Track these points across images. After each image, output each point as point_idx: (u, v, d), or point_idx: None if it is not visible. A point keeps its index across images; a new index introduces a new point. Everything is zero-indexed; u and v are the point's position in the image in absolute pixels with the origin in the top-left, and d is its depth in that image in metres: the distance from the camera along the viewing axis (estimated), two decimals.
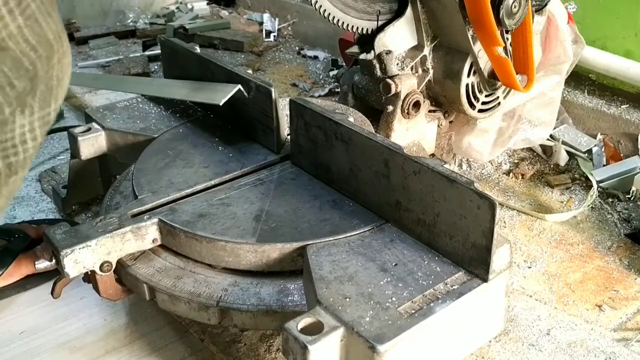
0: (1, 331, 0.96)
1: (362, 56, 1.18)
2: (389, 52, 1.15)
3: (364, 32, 1.17)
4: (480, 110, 1.24)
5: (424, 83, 1.22)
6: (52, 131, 1.47)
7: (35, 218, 1.20)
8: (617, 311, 1.01)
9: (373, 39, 1.16)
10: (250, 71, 1.99)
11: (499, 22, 1.10)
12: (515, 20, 1.12)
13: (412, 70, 1.21)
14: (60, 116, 1.61)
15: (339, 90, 1.36)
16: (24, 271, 1.01)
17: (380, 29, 1.17)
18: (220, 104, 0.97)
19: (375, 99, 1.22)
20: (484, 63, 1.18)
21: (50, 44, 0.49)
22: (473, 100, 1.22)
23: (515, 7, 1.10)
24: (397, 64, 1.19)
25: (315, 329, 0.65)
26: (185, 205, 0.90)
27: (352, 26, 1.16)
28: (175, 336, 0.95)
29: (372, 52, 1.17)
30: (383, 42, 1.16)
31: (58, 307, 1.00)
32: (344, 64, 1.90)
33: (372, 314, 0.68)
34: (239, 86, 0.99)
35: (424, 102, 1.19)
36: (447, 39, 1.19)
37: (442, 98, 1.24)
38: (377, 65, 1.17)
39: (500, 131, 1.34)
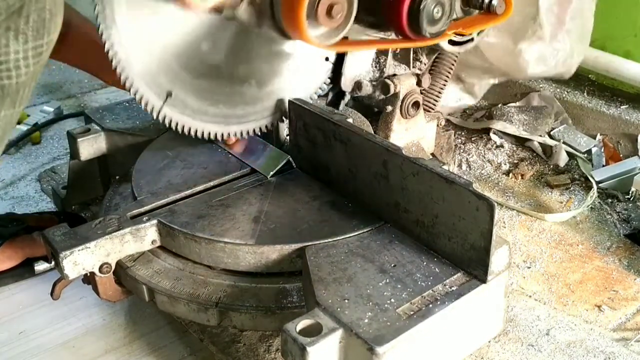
0: (1, 331, 0.97)
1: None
2: (359, 85, 1.13)
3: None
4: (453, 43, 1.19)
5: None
6: (60, 118, 1.52)
7: None
8: (617, 311, 1.01)
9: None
10: None
11: None
12: None
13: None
14: (59, 114, 1.61)
15: None
16: (20, 255, 1.02)
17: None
18: (269, 177, 0.97)
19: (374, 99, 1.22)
20: None
21: None
22: None
23: None
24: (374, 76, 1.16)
25: (314, 331, 0.65)
26: (185, 206, 0.90)
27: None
28: (174, 336, 0.96)
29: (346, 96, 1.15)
30: (347, 83, 1.12)
31: (57, 307, 1.00)
32: None
33: (371, 315, 0.68)
34: (289, 157, 0.99)
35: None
36: None
37: None
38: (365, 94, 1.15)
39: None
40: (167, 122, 0.92)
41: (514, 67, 1.33)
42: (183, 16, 0.87)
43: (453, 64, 1.24)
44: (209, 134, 0.96)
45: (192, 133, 0.94)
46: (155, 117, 0.91)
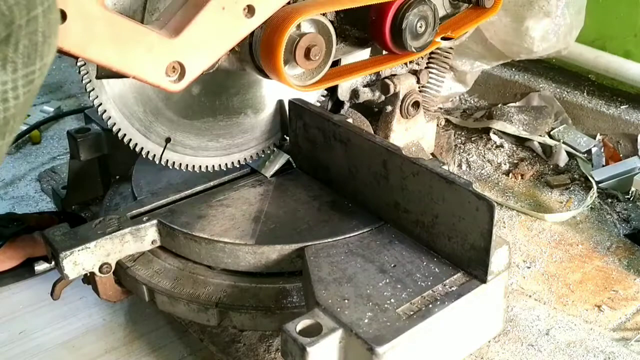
0: (1, 331, 0.97)
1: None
2: (356, 93, 1.12)
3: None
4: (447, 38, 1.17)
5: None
6: (59, 116, 1.52)
7: None
8: (616, 311, 1.01)
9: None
10: None
11: None
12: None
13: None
14: (59, 113, 1.61)
15: None
16: (21, 255, 1.01)
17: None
18: (268, 176, 0.97)
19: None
20: None
21: None
22: None
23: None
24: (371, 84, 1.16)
25: (314, 331, 0.66)
26: (185, 206, 0.90)
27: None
28: (174, 336, 0.96)
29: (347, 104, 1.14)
30: (344, 93, 1.12)
31: (57, 307, 1.00)
32: None
33: (371, 315, 0.68)
34: (288, 157, 0.99)
35: None
36: None
37: None
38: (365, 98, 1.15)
39: None
40: (170, 164, 0.92)
41: (518, 46, 1.31)
42: None
43: (449, 55, 1.23)
44: (213, 167, 0.96)
45: (197, 169, 0.95)
46: (158, 163, 0.91)
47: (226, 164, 0.97)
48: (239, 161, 0.98)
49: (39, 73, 0.53)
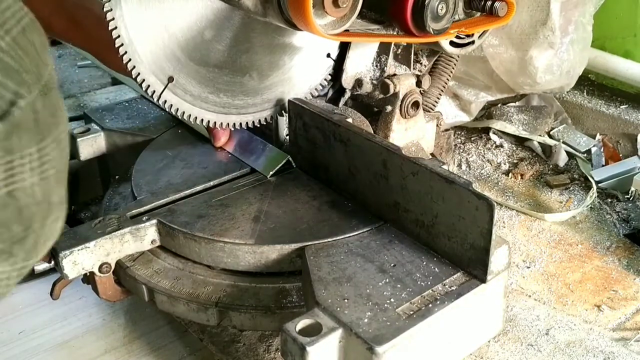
0: (1, 331, 0.97)
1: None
2: (360, 83, 1.12)
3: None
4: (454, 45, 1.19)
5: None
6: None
7: None
8: (616, 311, 1.01)
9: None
10: None
11: None
12: None
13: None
14: None
15: None
16: None
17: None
18: (268, 176, 0.97)
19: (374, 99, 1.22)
20: None
21: (52, 206, 0.53)
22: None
23: None
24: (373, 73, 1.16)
25: (314, 330, 0.66)
26: (184, 206, 0.90)
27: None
28: (174, 336, 0.96)
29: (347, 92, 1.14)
30: (348, 80, 1.11)
31: (57, 307, 1.00)
32: None
33: (371, 315, 0.68)
34: (288, 157, 0.99)
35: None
36: None
37: None
38: (366, 92, 1.15)
39: None
40: (167, 107, 0.91)
41: (522, 77, 1.33)
42: (188, 2, 0.87)
43: (453, 67, 1.24)
44: (209, 122, 0.96)
45: (192, 120, 0.94)
46: (156, 101, 0.91)
47: (221, 124, 0.97)
48: (234, 124, 0.98)
49: (30, 267, 0.55)
